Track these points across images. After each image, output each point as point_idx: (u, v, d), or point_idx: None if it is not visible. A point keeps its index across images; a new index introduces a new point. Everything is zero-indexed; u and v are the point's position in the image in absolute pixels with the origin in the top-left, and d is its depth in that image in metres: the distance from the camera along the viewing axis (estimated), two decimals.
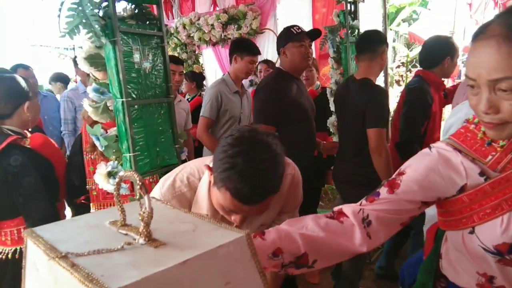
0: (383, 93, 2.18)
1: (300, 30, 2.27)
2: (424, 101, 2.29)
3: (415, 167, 0.90)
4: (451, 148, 0.87)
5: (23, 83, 1.75)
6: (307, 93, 2.47)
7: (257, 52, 2.78)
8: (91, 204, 2.12)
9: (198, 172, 1.16)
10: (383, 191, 0.91)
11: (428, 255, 1.05)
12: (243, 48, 2.74)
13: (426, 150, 0.92)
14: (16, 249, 1.68)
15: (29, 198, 1.61)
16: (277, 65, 3.53)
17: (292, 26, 2.32)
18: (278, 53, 2.37)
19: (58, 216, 1.76)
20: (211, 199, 1.07)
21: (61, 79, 4.35)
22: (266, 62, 3.75)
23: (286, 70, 2.33)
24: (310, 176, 1.86)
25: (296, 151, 1.84)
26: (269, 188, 0.97)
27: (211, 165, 1.02)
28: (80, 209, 2.21)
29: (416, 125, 2.27)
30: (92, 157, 2.03)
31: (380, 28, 4.53)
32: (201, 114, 2.74)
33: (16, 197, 1.61)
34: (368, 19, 4.43)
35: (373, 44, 2.24)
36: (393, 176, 0.93)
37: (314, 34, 2.35)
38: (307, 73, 3.34)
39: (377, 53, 2.21)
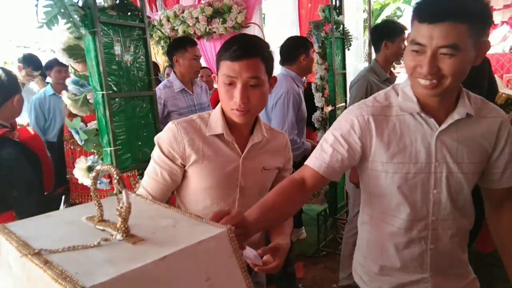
0: None
1: None
2: None
3: None
4: None
5: (14, 76, 1.75)
6: None
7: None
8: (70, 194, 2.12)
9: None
10: None
11: None
12: (395, 29, 2.45)
13: None
14: None
15: (23, 192, 1.59)
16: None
17: None
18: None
19: (50, 210, 1.74)
20: (224, 117, 1.17)
21: (32, 62, 3.97)
22: None
23: None
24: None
25: None
26: (255, 47, 1.09)
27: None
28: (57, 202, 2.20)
29: None
30: (72, 147, 2.00)
31: (362, 24, 4.58)
32: None
33: (10, 191, 1.58)
34: (353, 15, 4.46)
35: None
36: None
37: None
38: None
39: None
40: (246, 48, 1.06)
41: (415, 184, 1.06)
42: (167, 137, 1.15)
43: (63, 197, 2.68)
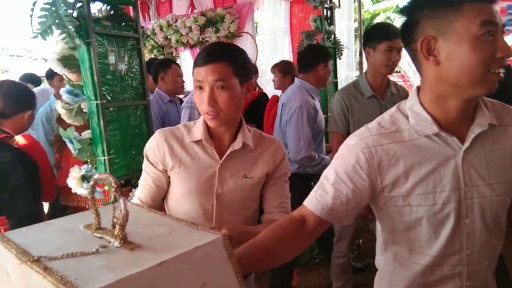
0: None
1: None
2: None
3: None
4: None
5: (32, 92, 1.91)
6: None
7: (394, 35, 1.96)
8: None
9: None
10: None
11: None
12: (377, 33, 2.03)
13: None
14: None
15: (15, 195, 1.62)
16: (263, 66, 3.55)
17: None
18: None
19: (41, 216, 1.77)
20: (206, 124, 1.18)
21: (32, 80, 4.22)
22: None
23: None
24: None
25: None
26: (222, 51, 1.11)
27: None
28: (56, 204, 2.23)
29: None
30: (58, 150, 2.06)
31: (353, 34, 4.65)
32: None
33: (1, 193, 1.60)
34: (344, 25, 4.53)
35: None
36: None
37: None
38: (274, 78, 3.42)
39: None
40: (213, 53, 1.10)
41: (446, 215, 0.90)
42: (151, 144, 1.21)
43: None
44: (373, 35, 2.04)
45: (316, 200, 0.95)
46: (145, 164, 1.23)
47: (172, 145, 1.18)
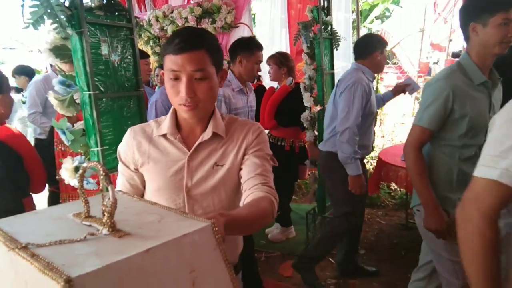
0: None
1: None
2: None
3: None
4: None
5: (4, 77, 1.73)
6: None
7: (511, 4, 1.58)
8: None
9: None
10: None
11: None
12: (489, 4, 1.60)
13: None
14: None
15: None
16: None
17: None
18: None
19: (23, 210, 1.72)
20: (174, 116, 1.14)
21: (26, 72, 4.21)
22: None
23: None
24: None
25: None
26: (198, 38, 1.04)
27: None
28: (54, 197, 2.22)
29: None
30: (62, 148, 2.02)
31: (350, 25, 4.62)
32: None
33: None
34: (341, 16, 4.51)
35: None
36: None
37: None
38: (269, 70, 3.41)
39: None
40: (189, 40, 1.01)
41: None
42: (122, 144, 1.17)
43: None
44: (483, 6, 1.62)
45: (507, 171, 0.92)
46: (119, 165, 1.18)
47: (141, 142, 1.14)
